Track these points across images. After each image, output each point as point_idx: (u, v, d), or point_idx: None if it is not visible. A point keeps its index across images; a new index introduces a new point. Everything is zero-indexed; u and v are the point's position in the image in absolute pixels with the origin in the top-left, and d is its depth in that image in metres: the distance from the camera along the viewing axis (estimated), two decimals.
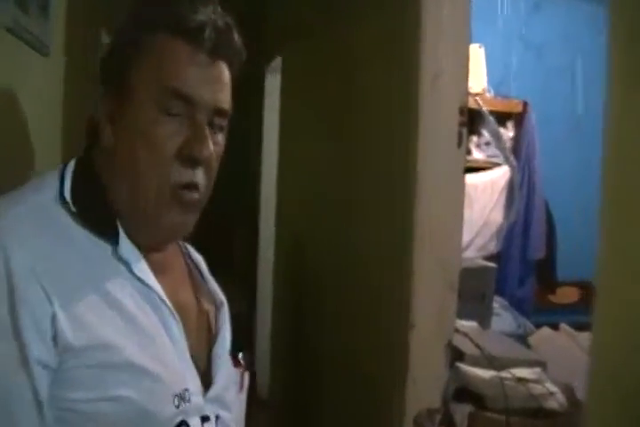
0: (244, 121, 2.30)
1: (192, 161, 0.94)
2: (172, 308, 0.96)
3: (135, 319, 0.90)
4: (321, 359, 2.53)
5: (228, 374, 1.08)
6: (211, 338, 1.08)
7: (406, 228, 1.68)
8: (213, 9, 0.95)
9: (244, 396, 1.11)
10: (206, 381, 1.01)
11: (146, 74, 0.94)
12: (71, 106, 1.66)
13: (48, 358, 0.81)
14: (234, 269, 4.35)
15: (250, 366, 1.12)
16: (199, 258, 1.20)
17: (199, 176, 0.95)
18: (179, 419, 0.92)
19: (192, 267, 1.16)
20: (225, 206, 3.12)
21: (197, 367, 0.99)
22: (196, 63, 0.94)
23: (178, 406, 0.92)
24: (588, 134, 3.91)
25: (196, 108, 0.94)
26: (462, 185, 1.78)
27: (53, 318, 0.81)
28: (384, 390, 1.80)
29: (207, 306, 1.11)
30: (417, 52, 1.66)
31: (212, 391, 1.01)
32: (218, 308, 1.14)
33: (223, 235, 4.01)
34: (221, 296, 1.16)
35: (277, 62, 3.60)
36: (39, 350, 0.80)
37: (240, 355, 1.11)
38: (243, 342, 3.83)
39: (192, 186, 0.95)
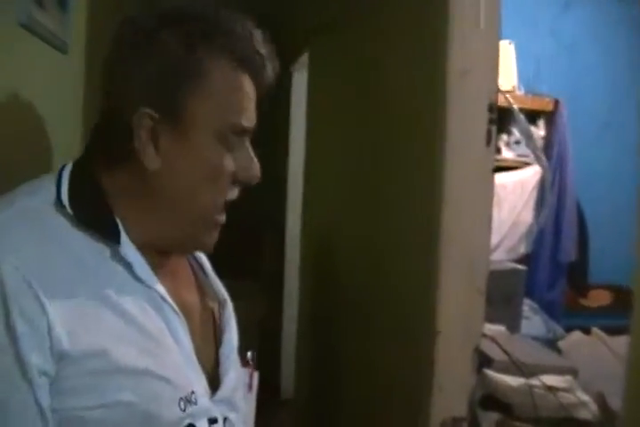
0: (270, 122, 2.27)
1: (246, 185, 0.97)
2: (176, 307, 0.93)
3: (136, 321, 0.87)
4: (345, 363, 2.49)
5: (236, 374, 1.05)
6: (216, 338, 1.06)
7: (433, 230, 1.64)
8: (268, 40, 0.95)
9: (253, 396, 1.09)
10: (214, 382, 0.99)
11: (209, 103, 0.91)
12: (92, 106, 1.63)
13: (47, 366, 0.79)
14: (262, 274, 4.34)
15: (258, 365, 1.10)
16: (202, 256, 1.16)
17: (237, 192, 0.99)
18: (186, 422, 0.90)
19: (195, 265, 1.13)
20: (253, 211, 3.10)
21: (204, 368, 0.96)
22: (253, 98, 0.95)
23: (184, 410, 0.89)
24: (621, 133, 3.85)
25: (247, 135, 0.96)
26: (491, 185, 1.73)
27: (49, 327, 0.79)
28: (409, 396, 1.75)
29: (211, 304, 1.09)
30: (445, 47, 1.61)
31: (220, 393, 0.98)
32: (222, 306, 1.11)
33: (252, 240, 3.99)
34: (225, 294, 1.13)
35: (304, 59, 3.56)
36: (38, 358, 0.78)
37: (249, 354, 1.09)
38: (269, 343, 3.82)
39: (228, 205, 0.97)
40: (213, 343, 1.04)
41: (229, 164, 0.94)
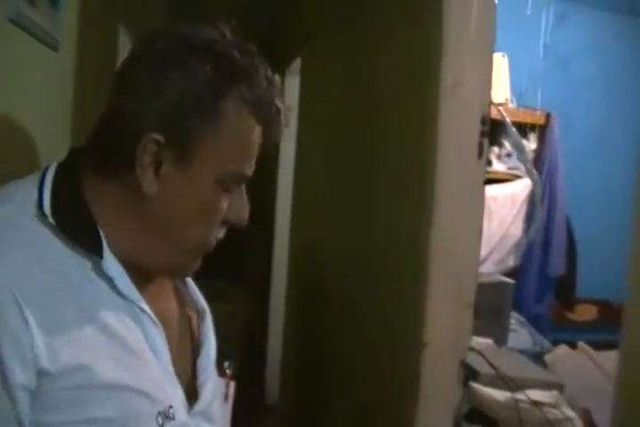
0: None
1: (232, 226, 0.97)
2: (155, 318, 0.91)
3: (117, 335, 0.85)
4: (331, 372, 2.47)
5: (213, 386, 1.03)
6: (194, 348, 1.04)
7: (422, 242, 1.62)
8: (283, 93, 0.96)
9: (229, 406, 1.09)
10: (190, 394, 0.96)
11: (219, 144, 0.90)
12: (82, 104, 1.61)
13: (29, 382, 0.77)
14: (248, 275, 4.30)
15: (235, 375, 1.09)
16: None
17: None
18: None
19: None
20: None
21: (181, 380, 0.94)
22: (259, 148, 0.95)
23: (162, 425, 0.87)
24: (614, 150, 3.86)
25: (245, 182, 0.97)
26: (482, 198, 1.72)
27: (31, 344, 0.77)
28: (394, 409, 1.73)
29: (189, 314, 1.07)
30: (438, 58, 1.60)
31: (197, 407, 0.97)
32: (201, 316, 1.09)
33: (239, 241, 3.96)
34: (204, 304, 1.11)
35: (297, 64, 3.55)
36: (21, 375, 0.76)
37: (226, 364, 1.07)
38: (253, 347, 3.78)
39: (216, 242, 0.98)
40: (190, 354, 1.02)
41: (224, 205, 0.94)
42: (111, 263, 0.88)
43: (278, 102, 0.93)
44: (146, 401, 0.86)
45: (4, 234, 0.82)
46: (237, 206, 0.96)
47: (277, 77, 0.95)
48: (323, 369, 2.59)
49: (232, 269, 3.67)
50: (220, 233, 0.97)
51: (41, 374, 0.77)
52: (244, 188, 0.97)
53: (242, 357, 3.16)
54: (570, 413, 1.83)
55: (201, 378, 1.00)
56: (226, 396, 1.09)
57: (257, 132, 0.93)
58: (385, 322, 1.89)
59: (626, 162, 3.49)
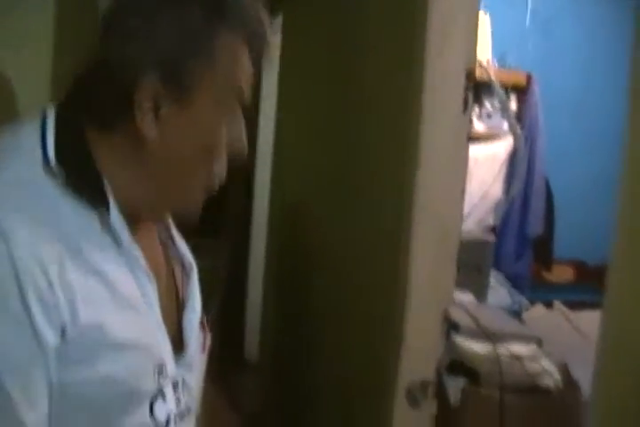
0: None
1: (233, 156, 0.95)
2: (150, 273, 0.91)
3: (122, 291, 0.85)
4: (312, 325, 2.48)
5: (197, 339, 1.04)
6: (179, 301, 1.03)
7: (406, 194, 1.62)
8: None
9: (205, 357, 1.10)
10: (176, 346, 0.97)
11: (216, 74, 0.88)
12: (63, 49, 1.56)
13: (55, 342, 0.78)
14: (227, 231, 4.26)
15: (212, 326, 1.11)
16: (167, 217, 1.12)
17: None
18: (157, 390, 0.89)
19: (161, 227, 1.09)
20: None
21: (169, 333, 0.94)
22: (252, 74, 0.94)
23: (158, 378, 0.89)
24: (592, 110, 3.87)
25: (242, 104, 0.94)
26: (466, 152, 1.73)
27: (55, 303, 0.77)
28: (377, 359, 1.75)
29: (176, 268, 1.06)
30: (425, 12, 1.58)
31: (184, 360, 0.97)
32: (187, 270, 1.08)
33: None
34: (191, 258, 1.11)
35: (278, 21, 3.49)
36: (50, 335, 0.77)
37: (204, 317, 1.09)
38: (233, 303, 3.75)
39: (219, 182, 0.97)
40: (176, 307, 1.02)
41: (224, 132, 0.92)
42: (116, 217, 0.87)
43: (267, 28, 0.93)
44: (147, 356, 0.88)
45: (18, 188, 0.82)
46: (236, 135, 0.94)
47: (265, 10, 0.93)
48: (304, 324, 2.61)
49: (211, 225, 3.64)
50: (222, 168, 0.95)
51: (63, 333, 0.78)
52: (242, 117, 0.95)
53: (221, 313, 3.17)
54: (549, 366, 1.86)
55: (187, 331, 1.01)
56: (203, 346, 1.10)
57: (248, 60, 0.92)
58: (369, 271, 1.90)
59: (605, 123, 3.51)
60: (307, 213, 2.69)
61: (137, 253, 0.89)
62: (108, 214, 0.86)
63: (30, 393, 0.77)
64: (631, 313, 1.21)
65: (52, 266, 0.78)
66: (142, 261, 0.90)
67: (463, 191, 1.73)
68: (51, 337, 0.77)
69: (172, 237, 1.10)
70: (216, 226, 4.03)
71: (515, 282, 3.19)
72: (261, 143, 3.91)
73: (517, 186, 3.19)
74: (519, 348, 1.82)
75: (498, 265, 3.18)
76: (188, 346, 0.99)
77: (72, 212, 0.84)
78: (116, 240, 0.87)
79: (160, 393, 0.89)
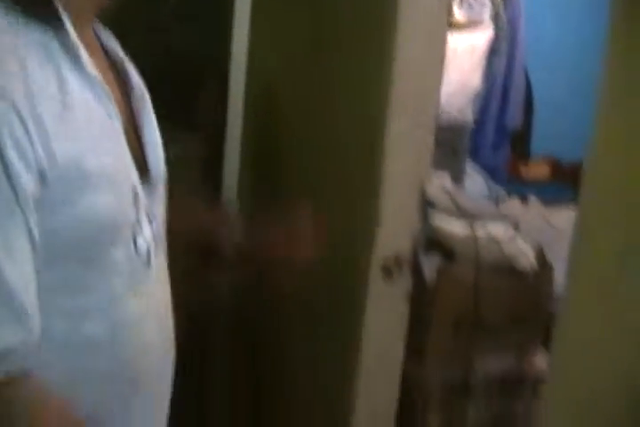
0: None
1: None
2: (112, 95, 0.87)
3: (92, 119, 0.83)
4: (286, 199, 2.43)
5: (158, 165, 1.01)
6: (134, 125, 0.99)
7: (385, 67, 1.56)
8: None
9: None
10: (140, 170, 0.94)
11: None
12: None
13: (35, 188, 0.76)
14: (200, 125, 4.16)
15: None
16: (109, 36, 1.04)
17: None
18: (135, 220, 0.89)
19: (106, 47, 1.02)
20: (191, 53, 2.94)
21: (132, 158, 0.92)
22: None
23: (135, 205, 0.88)
24: (572, 3, 3.74)
25: None
26: (444, 35, 1.70)
27: (32, 147, 0.75)
28: (353, 234, 1.70)
29: (125, 89, 1.01)
30: None
31: (150, 187, 0.96)
32: (137, 96, 1.02)
33: (189, 87, 3.81)
34: (142, 85, 1.04)
35: None
36: (29, 181, 0.75)
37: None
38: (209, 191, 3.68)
39: None
40: (132, 130, 0.98)
41: None
42: (72, 35, 0.82)
43: None
44: (124, 183, 0.87)
45: None
46: None
47: None
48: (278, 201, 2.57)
49: (184, 112, 3.53)
50: None
51: (43, 178, 0.77)
52: None
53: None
54: (525, 247, 1.85)
55: (149, 156, 0.99)
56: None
57: None
58: (344, 155, 1.84)
59: (587, 17, 3.43)
60: (282, 95, 2.61)
61: (99, 78, 0.86)
62: (64, 33, 0.82)
63: (9, 247, 0.75)
64: (604, 208, 1.20)
65: (22, 102, 0.74)
66: (104, 84, 0.86)
67: (443, 61, 1.69)
68: (30, 184, 0.75)
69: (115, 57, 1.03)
70: (192, 115, 3.93)
71: (492, 174, 3.16)
72: (237, 26, 3.76)
73: (499, 69, 3.11)
74: (496, 228, 1.81)
75: (475, 156, 3.14)
76: (151, 171, 0.98)
77: (31, 41, 0.80)
78: (75, 60, 0.83)
79: (138, 224, 0.89)
